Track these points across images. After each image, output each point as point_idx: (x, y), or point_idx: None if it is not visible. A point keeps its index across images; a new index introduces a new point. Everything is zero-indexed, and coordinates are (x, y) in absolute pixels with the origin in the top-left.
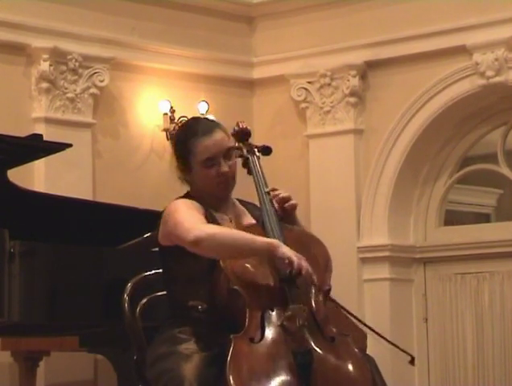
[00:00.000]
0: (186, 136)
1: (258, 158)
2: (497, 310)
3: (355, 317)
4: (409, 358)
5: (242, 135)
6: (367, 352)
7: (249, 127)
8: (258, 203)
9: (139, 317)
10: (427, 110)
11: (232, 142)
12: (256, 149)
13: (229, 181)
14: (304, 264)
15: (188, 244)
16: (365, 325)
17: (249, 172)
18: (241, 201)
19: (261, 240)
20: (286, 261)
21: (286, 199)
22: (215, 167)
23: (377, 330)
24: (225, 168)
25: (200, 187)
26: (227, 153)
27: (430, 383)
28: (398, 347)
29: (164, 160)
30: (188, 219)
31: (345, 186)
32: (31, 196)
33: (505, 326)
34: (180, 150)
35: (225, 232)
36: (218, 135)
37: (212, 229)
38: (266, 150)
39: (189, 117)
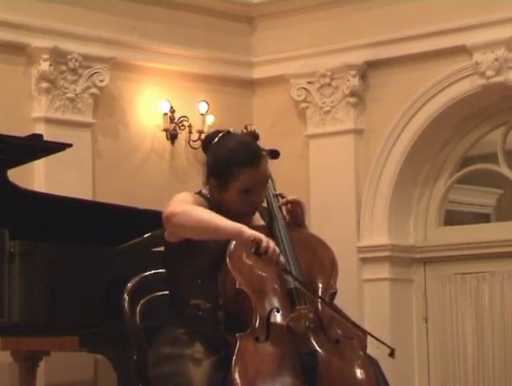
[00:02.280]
0: (233, 160)
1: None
2: (497, 310)
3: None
4: (388, 350)
5: None
6: (370, 354)
7: (257, 130)
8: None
9: (139, 317)
10: (427, 110)
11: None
12: (264, 153)
13: (258, 207)
14: (272, 244)
15: (164, 219)
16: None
17: None
18: None
19: (229, 222)
20: (252, 239)
21: (294, 206)
22: (252, 196)
23: (377, 330)
24: (262, 197)
25: (226, 204)
26: (266, 182)
27: (430, 383)
28: (378, 340)
29: (164, 160)
30: (177, 200)
31: (345, 186)
32: (31, 196)
33: (505, 326)
34: (222, 171)
35: (197, 210)
36: (264, 165)
37: (187, 207)
38: (274, 154)
39: (189, 116)
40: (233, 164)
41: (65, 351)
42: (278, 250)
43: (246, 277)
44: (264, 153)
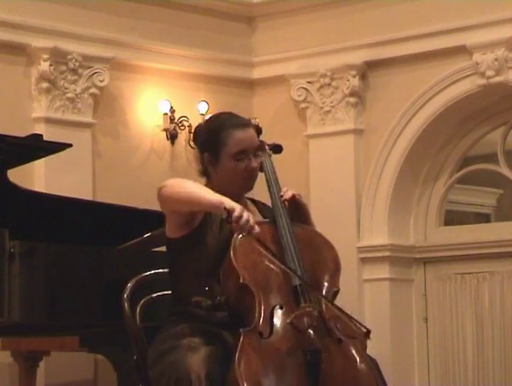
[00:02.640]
0: (221, 127)
1: (270, 155)
2: (497, 310)
3: None
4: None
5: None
6: (368, 353)
7: (260, 124)
8: (268, 202)
9: (139, 317)
10: (427, 110)
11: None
12: (267, 147)
13: (254, 178)
14: (245, 215)
15: (157, 196)
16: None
17: (261, 169)
18: (251, 199)
19: (212, 193)
20: (225, 208)
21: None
22: (245, 161)
23: (377, 330)
24: (254, 164)
25: (223, 181)
26: (256, 150)
27: (430, 383)
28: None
29: (164, 160)
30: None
31: (345, 186)
32: (31, 196)
33: (505, 326)
34: (213, 140)
35: (183, 182)
36: (251, 130)
37: (175, 181)
38: (277, 148)
39: (189, 116)
40: (221, 130)
41: (65, 351)
42: (252, 221)
43: (250, 273)
44: (249, 120)
